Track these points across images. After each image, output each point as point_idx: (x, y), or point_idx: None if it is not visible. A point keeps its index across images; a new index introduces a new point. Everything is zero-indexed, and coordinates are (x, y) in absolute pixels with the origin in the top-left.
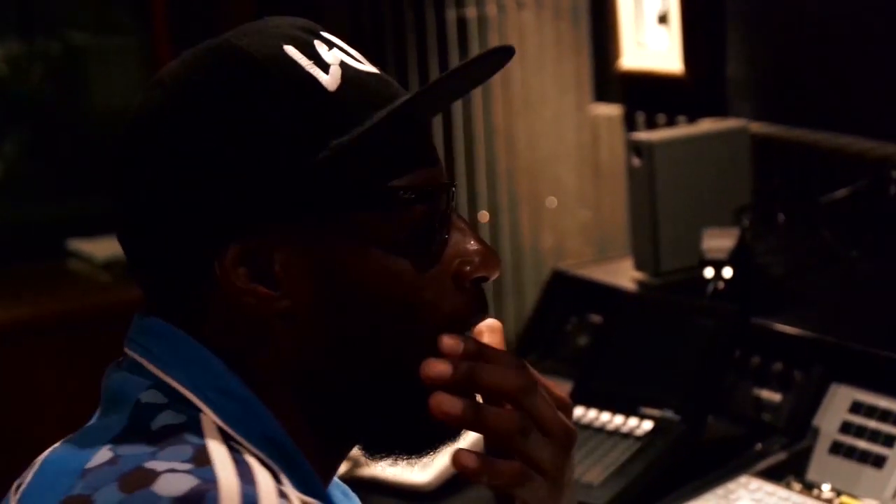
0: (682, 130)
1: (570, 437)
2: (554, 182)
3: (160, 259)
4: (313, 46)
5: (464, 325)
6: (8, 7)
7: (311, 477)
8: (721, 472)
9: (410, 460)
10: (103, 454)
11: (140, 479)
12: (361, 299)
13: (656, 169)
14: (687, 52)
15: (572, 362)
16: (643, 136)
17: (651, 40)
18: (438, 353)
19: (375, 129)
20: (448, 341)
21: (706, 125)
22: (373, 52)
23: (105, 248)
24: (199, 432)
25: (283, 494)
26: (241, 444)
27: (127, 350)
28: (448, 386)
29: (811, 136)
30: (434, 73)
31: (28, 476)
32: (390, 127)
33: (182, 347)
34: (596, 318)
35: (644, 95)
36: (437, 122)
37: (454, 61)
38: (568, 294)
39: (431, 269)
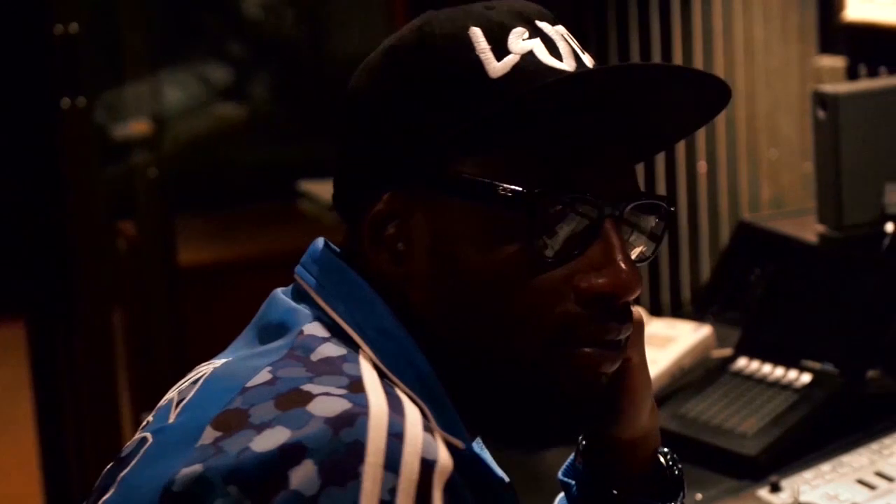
0: (867, 83)
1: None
2: (774, 133)
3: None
4: (507, 32)
5: (573, 336)
6: None
7: (455, 421)
8: (878, 426)
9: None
10: (263, 375)
11: (295, 399)
12: (467, 287)
13: (841, 121)
14: None
15: None
16: (828, 87)
17: None
18: (543, 354)
19: (486, 120)
20: None
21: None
22: None
23: (332, 189)
24: (357, 366)
25: (427, 429)
26: (394, 382)
27: (297, 276)
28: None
29: None
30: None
31: (191, 392)
32: (516, 119)
33: (348, 284)
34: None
35: (868, 47)
36: None
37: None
38: (752, 245)
39: (546, 273)
